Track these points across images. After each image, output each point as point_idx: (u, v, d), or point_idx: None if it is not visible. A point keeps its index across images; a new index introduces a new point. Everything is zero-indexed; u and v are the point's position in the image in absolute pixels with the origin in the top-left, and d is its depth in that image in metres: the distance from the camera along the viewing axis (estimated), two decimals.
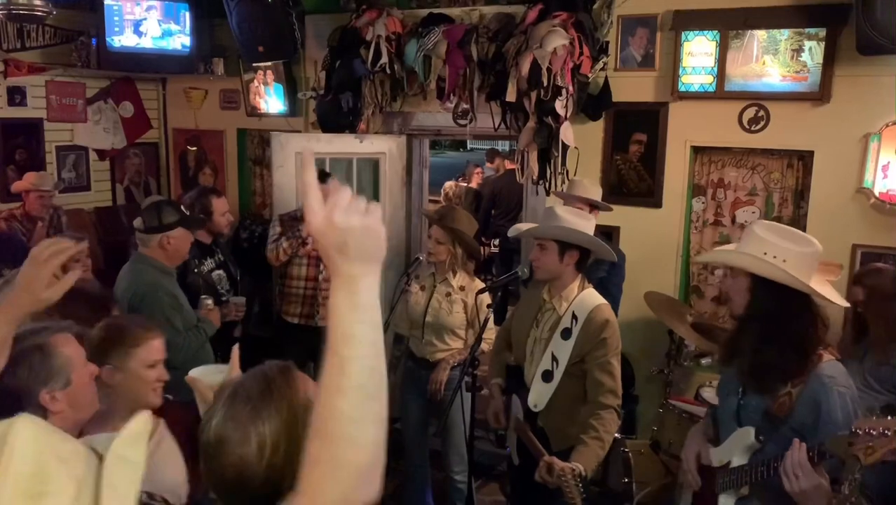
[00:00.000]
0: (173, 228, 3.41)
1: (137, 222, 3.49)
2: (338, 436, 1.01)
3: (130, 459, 1.04)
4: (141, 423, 1.08)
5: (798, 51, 3.96)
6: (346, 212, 1.05)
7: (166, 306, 3.32)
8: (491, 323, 3.41)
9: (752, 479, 2.14)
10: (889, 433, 1.74)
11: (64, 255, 1.64)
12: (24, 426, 0.99)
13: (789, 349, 2.13)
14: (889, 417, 1.78)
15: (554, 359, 2.97)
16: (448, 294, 3.72)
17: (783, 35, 3.98)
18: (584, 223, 2.97)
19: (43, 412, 1.72)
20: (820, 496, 1.88)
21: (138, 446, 1.06)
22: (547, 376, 2.98)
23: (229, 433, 1.24)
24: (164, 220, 3.40)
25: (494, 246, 8.09)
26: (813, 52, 3.92)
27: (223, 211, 4.27)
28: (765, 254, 2.16)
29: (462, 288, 3.73)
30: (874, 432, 1.76)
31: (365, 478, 1.04)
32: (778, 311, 2.15)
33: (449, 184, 9.57)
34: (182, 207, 3.61)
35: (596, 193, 4.02)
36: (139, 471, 1.04)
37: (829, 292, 2.16)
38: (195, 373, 2.02)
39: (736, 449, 2.24)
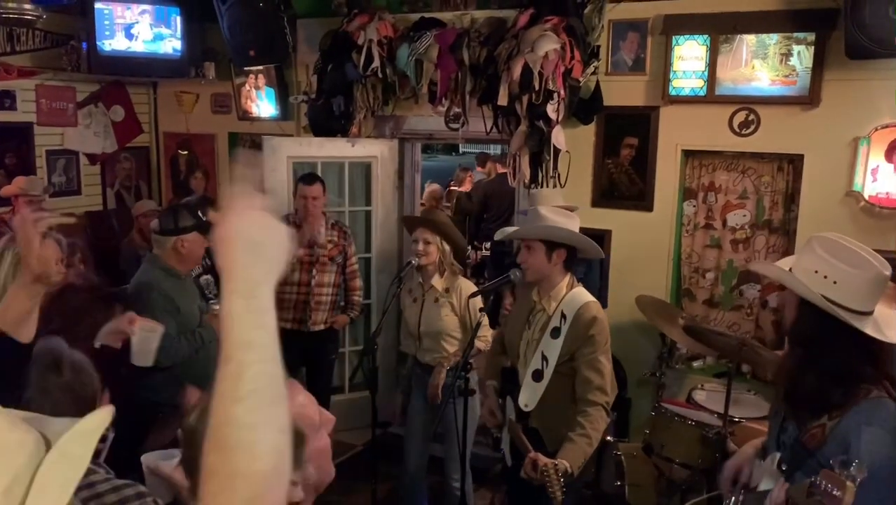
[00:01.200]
0: (188, 232, 3.47)
1: (154, 224, 3.59)
2: (234, 444, 0.95)
3: (73, 456, 0.97)
4: (96, 419, 1.02)
5: (787, 55, 3.98)
6: (265, 213, 1.03)
7: (157, 307, 3.34)
8: (485, 322, 3.42)
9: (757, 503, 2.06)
10: (838, 494, 1.64)
11: (46, 221, 1.85)
12: None
13: (827, 379, 1.95)
14: (845, 476, 1.64)
15: (544, 358, 2.98)
16: (436, 299, 3.75)
17: (772, 39, 4.00)
18: (569, 221, 2.99)
19: None
20: None
21: (86, 443, 0.99)
22: (537, 376, 3.00)
23: None
24: (180, 223, 3.47)
25: (486, 249, 8.09)
26: (802, 57, 3.95)
27: None
28: (815, 272, 1.97)
29: (447, 290, 3.75)
30: (828, 489, 1.65)
31: (267, 486, 0.97)
32: (819, 336, 1.98)
33: (435, 186, 9.57)
34: (199, 213, 3.62)
35: (559, 199, 4.13)
36: (80, 469, 0.97)
37: (887, 325, 1.95)
38: (150, 461, 1.97)
39: (765, 474, 2.13)
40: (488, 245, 7.99)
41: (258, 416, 0.97)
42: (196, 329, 3.47)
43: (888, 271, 1.95)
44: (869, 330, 1.92)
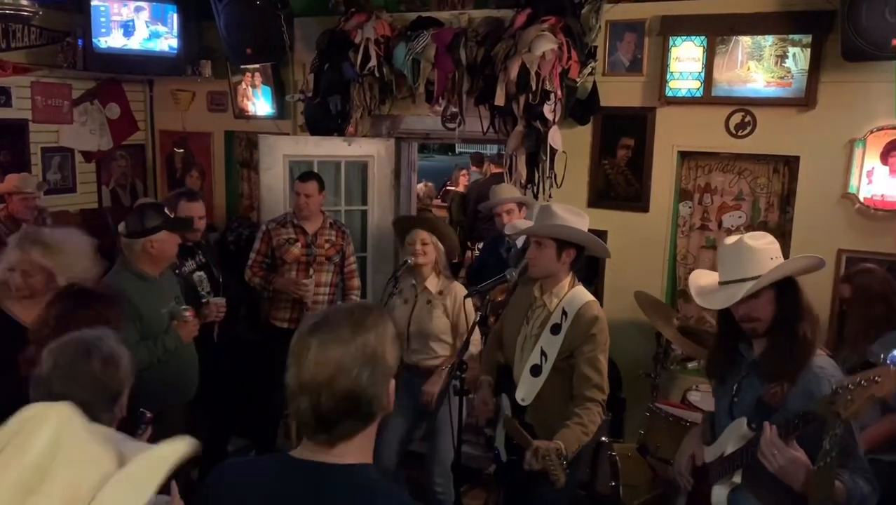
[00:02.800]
0: (157, 232, 3.35)
1: (121, 227, 3.43)
2: None
3: (139, 481, 1.00)
4: (173, 449, 1.05)
5: (782, 57, 3.99)
6: None
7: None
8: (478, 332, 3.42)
9: (742, 461, 2.19)
10: (865, 382, 1.83)
11: None
12: (58, 415, 0.97)
13: (809, 345, 2.19)
14: (883, 363, 1.90)
15: (543, 354, 2.99)
16: (428, 301, 3.73)
17: (767, 41, 4.01)
18: (580, 221, 2.99)
19: (119, 410, 1.87)
20: (797, 468, 1.99)
21: (156, 470, 1.02)
22: (535, 371, 3.01)
23: (339, 329, 1.35)
24: (147, 224, 3.34)
25: (479, 249, 8.09)
26: (797, 59, 3.96)
27: (201, 215, 4.17)
28: (772, 259, 2.22)
29: (441, 293, 3.74)
30: (852, 386, 1.86)
31: None
32: (801, 311, 2.21)
33: (420, 186, 9.60)
34: (166, 210, 3.57)
35: (516, 193, 4.30)
36: (143, 496, 1.00)
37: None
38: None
39: (730, 440, 2.27)
40: (480, 245, 8.00)
41: None
42: (160, 336, 3.33)
43: None
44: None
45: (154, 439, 2.43)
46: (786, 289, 2.21)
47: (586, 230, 3.00)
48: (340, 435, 1.35)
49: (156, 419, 2.42)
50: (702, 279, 2.46)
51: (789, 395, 2.15)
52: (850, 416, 1.87)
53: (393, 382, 1.41)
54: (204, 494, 1.44)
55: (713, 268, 4.41)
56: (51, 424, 0.96)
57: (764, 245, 2.25)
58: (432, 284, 3.74)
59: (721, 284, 2.31)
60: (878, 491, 2.08)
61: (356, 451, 1.39)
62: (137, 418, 2.36)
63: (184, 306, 3.45)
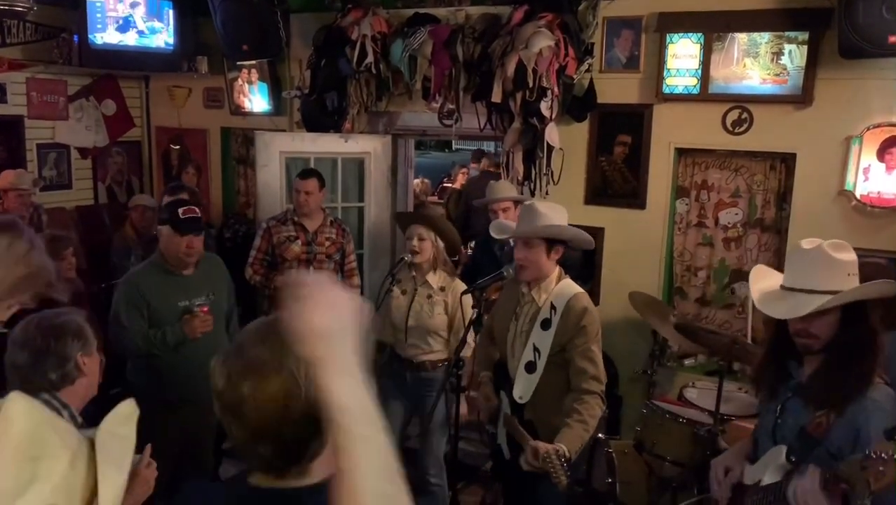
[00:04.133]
0: (162, 225, 3.45)
1: None
2: None
3: (121, 434, 1.13)
4: (128, 406, 1.18)
5: (778, 54, 3.99)
6: (326, 313, 1.09)
7: (122, 297, 3.39)
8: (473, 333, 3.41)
9: (774, 498, 2.07)
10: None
11: None
12: (18, 399, 1.06)
13: (869, 371, 2.03)
14: None
15: (536, 350, 2.99)
16: (429, 296, 3.72)
17: (763, 38, 4.01)
18: (562, 216, 3.01)
19: (77, 372, 2.17)
20: None
21: (128, 424, 1.16)
22: (530, 367, 3.01)
23: (263, 361, 1.19)
24: (160, 213, 3.57)
25: (471, 248, 8.08)
26: (793, 56, 3.96)
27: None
28: (849, 275, 2.06)
29: (442, 289, 3.73)
30: (885, 456, 1.71)
31: None
32: (867, 335, 2.04)
33: (416, 182, 9.59)
34: (175, 209, 3.56)
35: (514, 191, 4.28)
36: (130, 445, 1.15)
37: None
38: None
39: (769, 467, 2.14)
40: (472, 244, 7.99)
41: (388, 488, 1.04)
42: (164, 327, 3.38)
43: None
44: None
45: (178, 428, 2.54)
46: (855, 312, 2.03)
47: (566, 223, 3.03)
48: (311, 457, 1.24)
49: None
50: (763, 280, 2.26)
51: (834, 426, 2.00)
52: (881, 489, 1.72)
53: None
54: None
55: (711, 267, 4.43)
56: (17, 402, 1.04)
57: (844, 258, 2.07)
58: (433, 279, 3.73)
59: (786, 289, 2.13)
60: None
61: (327, 463, 1.25)
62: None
63: (199, 302, 3.46)
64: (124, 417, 1.17)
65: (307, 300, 1.09)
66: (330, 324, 1.08)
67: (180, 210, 3.40)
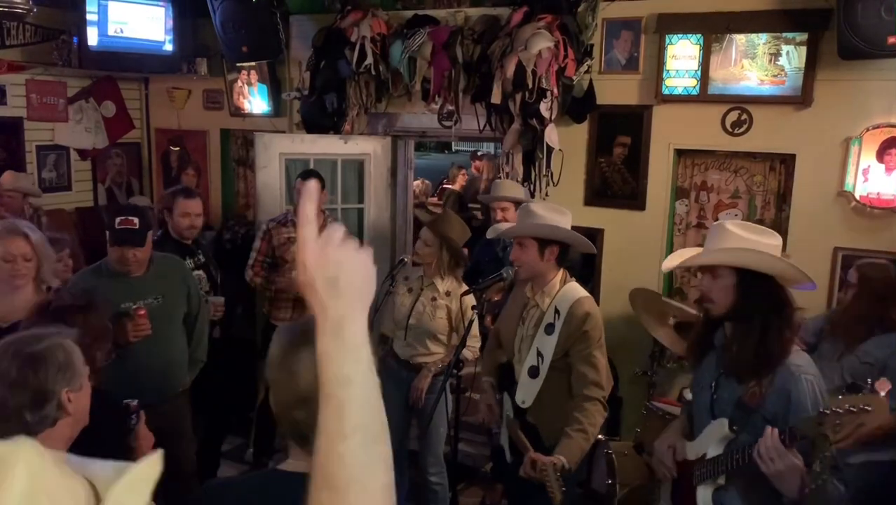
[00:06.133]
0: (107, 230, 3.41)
1: None
2: (346, 482, 0.95)
3: None
4: (149, 466, 0.99)
5: (776, 55, 3.99)
6: (340, 247, 1.02)
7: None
8: (475, 332, 3.40)
9: (728, 467, 2.19)
10: (855, 409, 1.82)
11: None
12: (28, 451, 0.91)
13: (788, 337, 2.17)
14: (856, 395, 1.86)
15: (539, 354, 2.99)
16: (433, 298, 3.73)
17: (761, 39, 4.01)
18: (561, 218, 2.99)
19: (60, 412, 1.82)
20: (794, 474, 1.97)
21: (140, 493, 0.97)
22: (533, 372, 3.00)
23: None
24: (108, 219, 3.43)
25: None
26: (790, 57, 3.96)
27: (183, 212, 4.09)
28: (745, 249, 2.20)
29: (448, 294, 3.74)
30: (841, 410, 1.84)
31: None
32: (774, 302, 2.18)
33: (416, 183, 9.61)
34: (151, 212, 3.57)
35: (518, 192, 4.20)
36: None
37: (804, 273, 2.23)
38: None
39: (711, 441, 2.27)
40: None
41: (367, 454, 0.97)
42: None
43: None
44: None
45: (157, 435, 2.46)
46: (751, 280, 2.18)
47: (569, 227, 3.00)
48: None
49: (140, 408, 2.42)
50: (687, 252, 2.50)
51: (767, 393, 2.15)
52: (840, 440, 1.85)
53: None
54: None
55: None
56: (26, 456, 0.89)
57: (742, 232, 2.24)
58: (440, 283, 3.74)
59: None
60: (850, 490, 2.10)
61: None
62: (124, 410, 2.36)
63: (136, 305, 3.33)
64: (141, 483, 0.98)
65: (324, 241, 1.01)
66: (321, 274, 0.99)
67: (118, 220, 3.28)
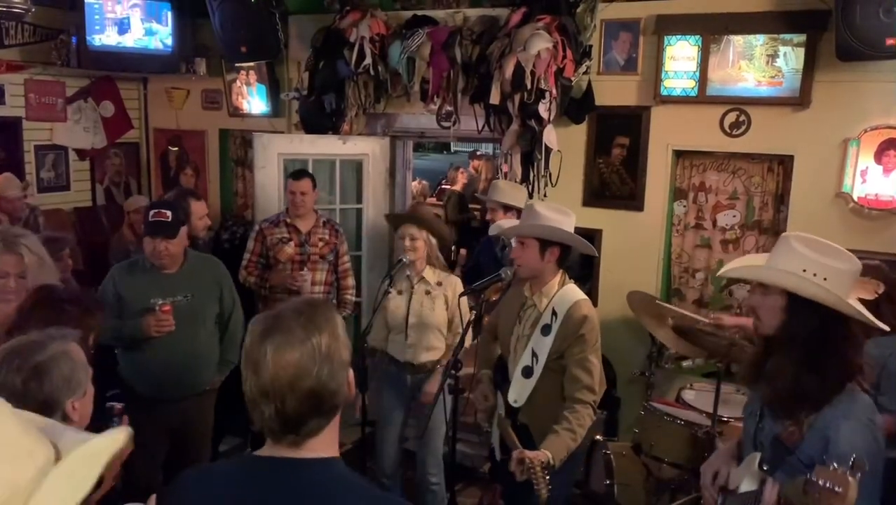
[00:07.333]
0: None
1: None
2: None
3: (78, 476, 0.97)
4: (109, 441, 1.01)
5: (773, 56, 4.00)
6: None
7: (106, 291, 3.48)
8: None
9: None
10: (838, 490, 1.63)
11: None
12: None
13: (831, 377, 1.95)
14: (844, 472, 1.64)
15: (534, 355, 2.98)
16: (428, 292, 3.73)
17: (759, 40, 4.02)
18: (565, 220, 2.99)
19: (65, 422, 1.74)
20: None
21: (94, 464, 0.98)
22: (527, 372, 3.00)
23: (291, 330, 1.35)
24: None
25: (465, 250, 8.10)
26: (788, 58, 3.96)
27: (201, 215, 4.28)
28: (804, 271, 1.95)
29: (439, 283, 3.74)
30: (827, 485, 1.64)
31: None
32: (820, 335, 1.96)
33: (414, 183, 9.63)
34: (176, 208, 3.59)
35: (513, 197, 4.11)
36: (82, 491, 0.96)
37: (868, 314, 1.97)
38: None
39: (746, 473, 2.11)
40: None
41: None
42: (127, 321, 3.40)
43: (860, 265, 2.00)
44: (873, 321, 1.94)
45: (162, 427, 2.45)
46: (800, 307, 1.96)
47: (572, 229, 2.99)
48: (307, 433, 1.37)
49: (125, 411, 2.39)
50: (750, 261, 2.32)
51: (807, 435, 1.94)
52: None
53: (351, 372, 1.43)
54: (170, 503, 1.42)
55: (708, 269, 4.44)
56: None
57: (810, 252, 1.98)
58: (430, 275, 3.74)
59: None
60: None
61: (324, 445, 1.41)
62: (106, 413, 2.36)
63: (161, 301, 3.40)
64: (97, 454, 0.99)
65: None
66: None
67: (151, 212, 3.43)
